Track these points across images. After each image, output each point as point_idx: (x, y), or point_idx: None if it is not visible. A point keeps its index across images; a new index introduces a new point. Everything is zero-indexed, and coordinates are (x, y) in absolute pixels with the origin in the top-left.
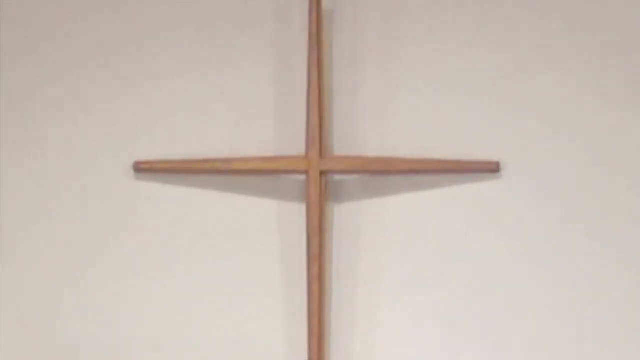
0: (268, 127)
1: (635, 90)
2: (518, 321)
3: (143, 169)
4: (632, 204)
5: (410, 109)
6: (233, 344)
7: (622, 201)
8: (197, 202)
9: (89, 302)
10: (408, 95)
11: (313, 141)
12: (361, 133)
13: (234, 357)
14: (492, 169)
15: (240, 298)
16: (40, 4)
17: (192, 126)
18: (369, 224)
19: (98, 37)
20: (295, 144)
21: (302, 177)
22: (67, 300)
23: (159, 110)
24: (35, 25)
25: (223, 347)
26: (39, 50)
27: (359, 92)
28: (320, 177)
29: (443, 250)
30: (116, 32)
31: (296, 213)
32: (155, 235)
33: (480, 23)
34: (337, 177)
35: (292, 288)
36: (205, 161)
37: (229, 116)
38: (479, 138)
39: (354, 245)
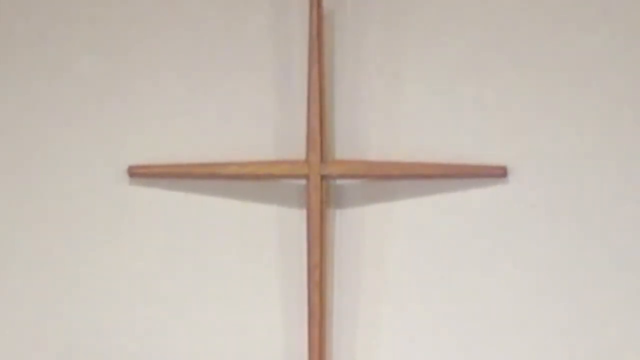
0: (267, 130)
1: None
2: (525, 328)
3: (137, 174)
4: None
5: (414, 111)
6: (231, 354)
7: (630, 206)
8: (194, 207)
9: (83, 307)
10: (411, 97)
11: (314, 145)
12: (363, 136)
13: None
14: (499, 173)
15: (238, 307)
16: (33, 6)
17: (189, 129)
18: (371, 230)
19: (93, 39)
20: (295, 147)
21: (303, 181)
22: (60, 304)
23: (154, 113)
24: (27, 28)
25: (221, 358)
26: (31, 53)
27: (361, 94)
28: (321, 181)
29: (448, 257)
30: (111, 34)
31: (296, 219)
32: (150, 242)
33: (486, 23)
34: (339, 182)
35: (292, 297)
36: (202, 165)
37: (227, 119)
38: (485, 142)
39: (356, 252)
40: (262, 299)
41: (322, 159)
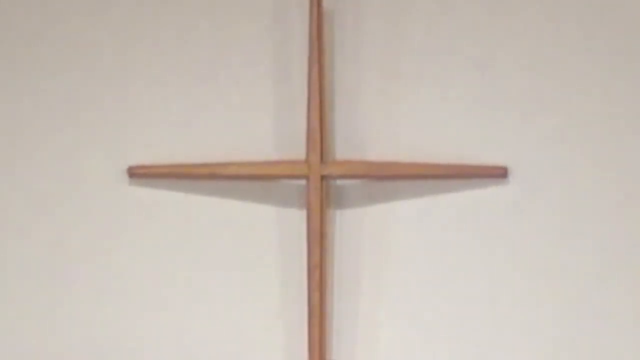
0: (267, 130)
1: None
2: (524, 328)
3: (137, 174)
4: None
5: (414, 111)
6: (231, 354)
7: (631, 207)
8: (193, 208)
9: (83, 307)
10: (412, 98)
11: (314, 145)
12: (363, 136)
13: None
14: (499, 174)
15: (238, 308)
16: (32, 7)
17: (189, 129)
18: (371, 230)
19: (92, 40)
20: (295, 147)
21: (303, 182)
22: (60, 304)
23: (154, 113)
24: (27, 29)
25: (221, 358)
26: (32, 53)
27: (361, 94)
28: (321, 182)
29: (448, 257)
30: (111, 35)
31: (296, 219)
32: (149, 242)
33: (486, 23)
34: (339, 182)
35: (292, 298)
36: (202, 165)
37: (227, 119)
38: (485, 142)
39: (356, 252)
40: (262, 299)
41: (322, 159)
